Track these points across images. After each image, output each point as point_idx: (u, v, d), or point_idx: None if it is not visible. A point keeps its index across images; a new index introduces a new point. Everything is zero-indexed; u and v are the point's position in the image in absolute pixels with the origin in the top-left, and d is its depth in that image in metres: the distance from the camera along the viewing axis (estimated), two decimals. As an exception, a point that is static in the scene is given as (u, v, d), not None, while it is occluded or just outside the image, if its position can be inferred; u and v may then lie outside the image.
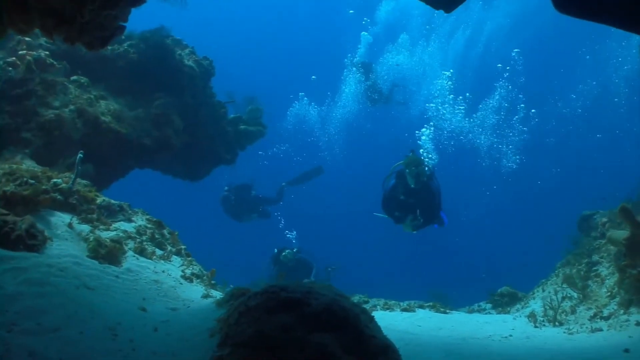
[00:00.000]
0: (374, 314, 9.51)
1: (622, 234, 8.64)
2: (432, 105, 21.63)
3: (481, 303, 12.34)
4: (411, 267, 37.88)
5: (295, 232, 21.76)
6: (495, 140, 24.85)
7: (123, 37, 11.84)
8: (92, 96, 10.49)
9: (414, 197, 12.84)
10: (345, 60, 23.99)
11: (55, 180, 7.51)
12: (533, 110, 26.39)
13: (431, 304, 10.72)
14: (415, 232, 13.41)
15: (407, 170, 12.67)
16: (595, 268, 10.28)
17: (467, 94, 22.37)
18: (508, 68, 24.85)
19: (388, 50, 25.15)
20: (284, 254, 18.36)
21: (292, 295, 3.73)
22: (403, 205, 13.03)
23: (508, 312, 11.04)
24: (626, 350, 6.19)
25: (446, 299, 12.75)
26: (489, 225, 43.00)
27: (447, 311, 10.66)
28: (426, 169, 13.00)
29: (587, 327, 8.15)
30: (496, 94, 24.40)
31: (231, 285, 16.64)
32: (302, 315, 3.56)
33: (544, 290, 11.16)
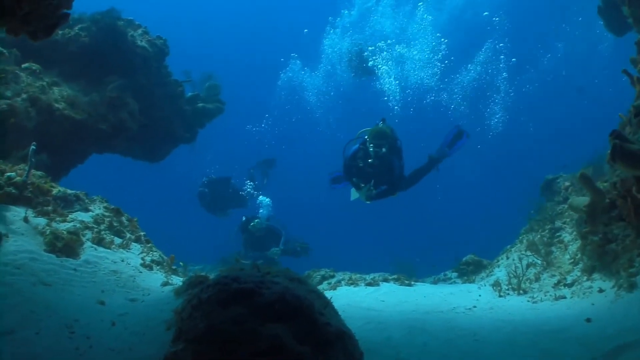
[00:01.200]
0: (338, 289, 9.64)
1: (582, 200, 8.73)
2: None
3: (447, 272, 12.38)
4: (380, 235, 38.05)
5: (269, 199, 21.30)
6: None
7: (73, 20, 11.66)
8: (44, 83, 10.33)
9: (373, 168, 12.64)
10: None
11: (9, 174, 7.42)
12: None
13: (395, 276, 10.67)
14: (368, 202, 13.28)
15: (369, 143, 12.51)
16: (558, 234, 10.37)
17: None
18: (497, 19, 24.17)
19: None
20: (252, 223, 18.07)
21: (244, 286, 3.74)
22: (361, 173, 12.83)
23: (473, 281, 11.09)
24: (588, 320, 6.29)
25: (412, 269, 12.79)
26: (457, 190, 43.22)
27: (412, 283, 10.66)
28: (398, 142, 12.99)
29: (551, 295, 8.22)
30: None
31: (194, 268, 16.61)
32: (254, 306, 3.57)
33: (508, 258, 11.21)
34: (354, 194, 13.54)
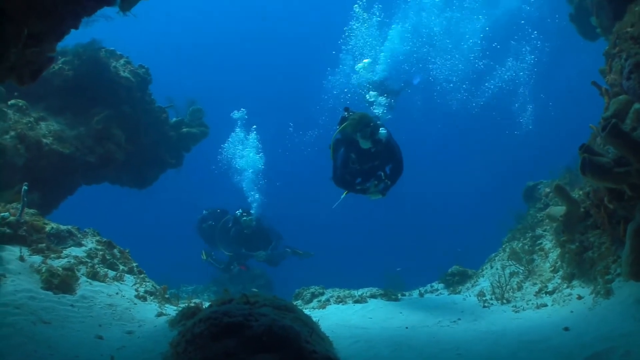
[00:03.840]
0: (328, 308, 9.88)
1: (559, 210, 9.06)
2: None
3: (434, 283, 12.46)
4: (367, 245, 38.10)
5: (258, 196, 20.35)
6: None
7: (56, 54, 11.83)
8: (31, 119, 10.54)
9: (373, 160, 11.25)
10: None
11: (2, 214, 7.62)
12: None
13: (383, 292, 10.87)
14: (384, 196, 11.45)
15: (358, 134, 10.84)
16: (539, 242, 10.66)
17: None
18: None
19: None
20: (245, 218, 17.38)
21: (234, 320, 3.97)
22: (362, 174, 11.46)
23: (459, 292, 11.29)
24: (566, 329, 6.55)
25: (400, 282, 13.00)
26: (445, 197, 43.37)
27: (400, 297, 10.88)
28: (378, 123, 11.19)
29: (533, 304, 8.52)
30: None
31: (186, 289, 16.67)
32: (244, 338, 3.81)
33: (492, 267, 11.49)
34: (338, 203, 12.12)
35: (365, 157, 11.19)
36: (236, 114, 21.76)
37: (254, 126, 22.62)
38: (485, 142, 42.09)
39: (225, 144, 21.71)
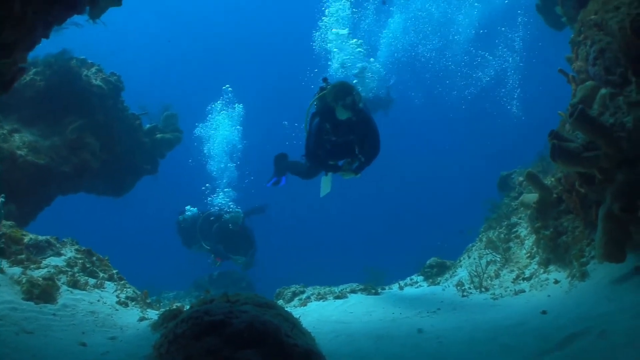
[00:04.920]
0: (309, 305, 9.96)
1: (532, 197, 9.22)
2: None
3: (413, 276, 12.54)
4: (347, 242, 38.23)
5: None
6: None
7: (27, 64, 11.80)
8: (5, 131, 10.55)
9: (348, 133, 10.61)
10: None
11: (-21, 228, 7.64)
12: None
13: (363, 286, 10.89)
14: (359, 175, 10.98)
15: (339, 102, 10.08)
16: (515, 230, 10.79)
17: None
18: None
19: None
20: (232, 214, 17.00)
21: (215, 318, 4.03)
22: (336, 148, 10.82)
23: (438, 283, 11.36)
24: (543, 312, 6.67)
25: (379, 275, 13.08)
26: (420, 188, 43.55)
27: (380, 291, 10.96)
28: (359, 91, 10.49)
29: (511, 290, 8.64)
30: None
31: (168, 295, 16.65)
32: (226, 336, 3.87)
33: (469, 257, 11.59)
34: (325, 188, 11.65)
35: (341, 129, 10.60)
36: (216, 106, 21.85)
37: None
38: (465, 133, 42.31)
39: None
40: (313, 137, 10.71)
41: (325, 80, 11.30)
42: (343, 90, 10.13)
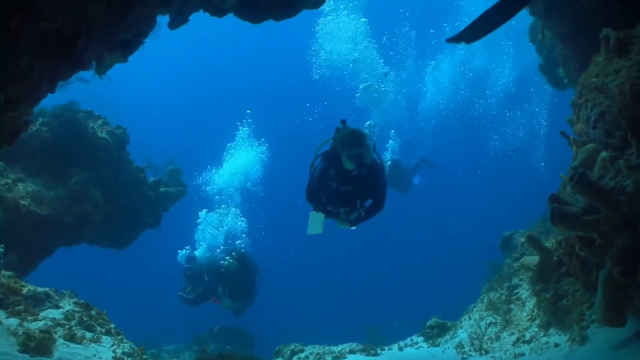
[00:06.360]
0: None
1: (533, 259, 9.18)
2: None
3: (413, 337, 12.36)
4: (348, 300, 37.97)
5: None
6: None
7: (34, 115, 11.88)
8: (9, 181, 10.60)
9: (352, 184, 9.80)
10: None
11: (-21, 278, 7.63)
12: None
13: (362, 347, 10.80)
14: (354, 228, 10.21)
15: (345, 152, 9.39)
16: (516, 291, 10.73)
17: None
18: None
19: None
20: (225, 264, 15.92)
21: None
22: (337, 196, 9.99)
23: (438, 345, 11.24)
24: (542, 378, 6.64)
25: (379, 335, 12.98)
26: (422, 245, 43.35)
27: (379, 352, 10.85)
28: (371, 143, 9.80)
29: (510, 354, 8.55)
30: None
31: (167, 349, 16.50)
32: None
33: (470, 318, 11.48)
34: (315, 227, 10.11)
35: (345, 179, 9.78)
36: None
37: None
38: (471, 190, 42.33)
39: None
40: (315, 179, 10.01)
41: (343, 122, 10.23)
42: (351, 140, 9.41)
